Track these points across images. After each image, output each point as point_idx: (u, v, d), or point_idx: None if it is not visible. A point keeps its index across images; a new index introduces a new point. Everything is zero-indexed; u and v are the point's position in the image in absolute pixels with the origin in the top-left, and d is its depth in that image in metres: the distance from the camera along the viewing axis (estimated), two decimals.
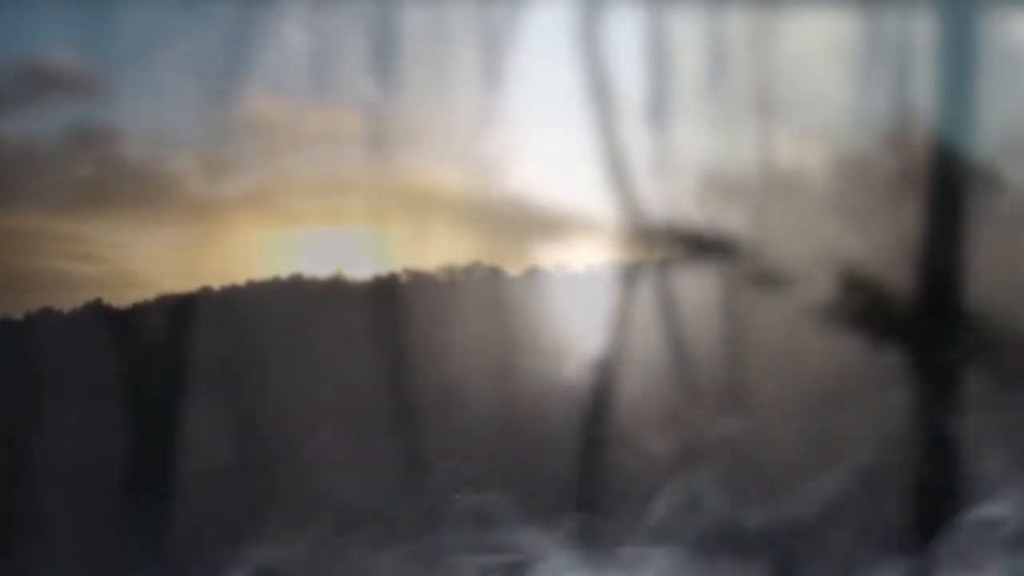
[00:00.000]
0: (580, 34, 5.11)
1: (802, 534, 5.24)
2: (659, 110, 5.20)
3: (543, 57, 5.17)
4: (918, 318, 5.25)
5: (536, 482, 5.40)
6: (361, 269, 5.39)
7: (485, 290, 5.45)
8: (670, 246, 5.35)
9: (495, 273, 5.48)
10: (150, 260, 5.15)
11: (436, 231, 5.38)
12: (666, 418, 5.39)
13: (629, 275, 5.35)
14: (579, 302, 5.44)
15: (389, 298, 5.33)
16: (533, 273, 5.48)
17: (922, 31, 5.15)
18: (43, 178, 4.96)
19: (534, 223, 5.35)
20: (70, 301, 5.18)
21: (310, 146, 5.12)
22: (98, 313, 5.19)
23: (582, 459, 5.37)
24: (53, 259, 5.13)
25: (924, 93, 5.17)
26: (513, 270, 5.48)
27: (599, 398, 5.35)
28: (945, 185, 5.17)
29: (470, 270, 5.49)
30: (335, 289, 5.40)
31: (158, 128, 4.99)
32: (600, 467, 5.37)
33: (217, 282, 5.26)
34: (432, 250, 5.38)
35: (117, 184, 5.01)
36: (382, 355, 5.25)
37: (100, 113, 4.92)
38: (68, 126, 4.95)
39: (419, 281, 5.42)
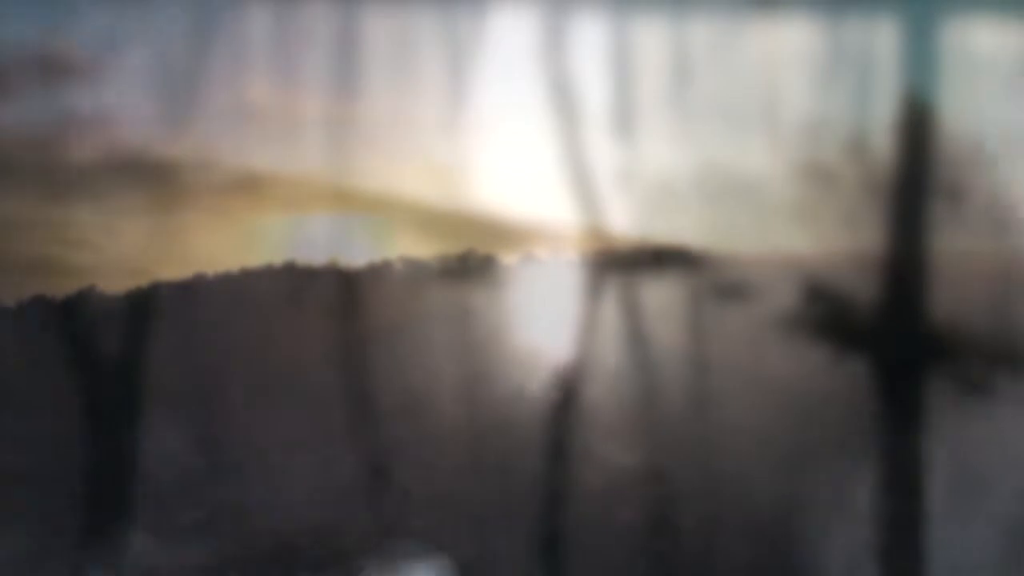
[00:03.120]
0: (545, 43, 5.26)
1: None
2: (623, 119, 5.28)
3: (507, 64, 5.31)
4: (881, 327, 5.11)
5: (499, 493, 5.40)
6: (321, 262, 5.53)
7: (448, 296, 5.53)
8: (633, 255, 5.37)
9: (462, 275, 5.57)
10: (142, 247, 5.39)
11: (396, 233, 5.53)
12: (630, 427, 5.35)
13: (593, 284, 5.38)
14: (542, 310, 5.47)
15: (352, 300, 5.47)
16: (497, 279, 5.55)
17: (884, 41, 5.11)
18: (37, 164, 5.27)
19: (496, 229, 5.45)
20: (63, 288, 5.45)
21: (295, 137, 5.33)
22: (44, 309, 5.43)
23: (546, 469, 5.36)
24: (47, 246, 5.41)
25: (886, 102, 5.10)
26: (476, 276, 5.56)
27: (563, 407, 5.35)
28: (907, 193, 5.06)
29: (441, 266, 5.57)
30: (296, 296, 5.53)
31: (151, 115, 5.27)
32: (564, 476, 5.35)
33: (210, 269, 5.49)
34: (393, 251, 5.53)
35: (111, 171, 5.30)
36: (344, 360, 5.38)
37: (94, 100, 5.23)
38: (62, 113, 5.23)
39: (383, 283, 5.54)
